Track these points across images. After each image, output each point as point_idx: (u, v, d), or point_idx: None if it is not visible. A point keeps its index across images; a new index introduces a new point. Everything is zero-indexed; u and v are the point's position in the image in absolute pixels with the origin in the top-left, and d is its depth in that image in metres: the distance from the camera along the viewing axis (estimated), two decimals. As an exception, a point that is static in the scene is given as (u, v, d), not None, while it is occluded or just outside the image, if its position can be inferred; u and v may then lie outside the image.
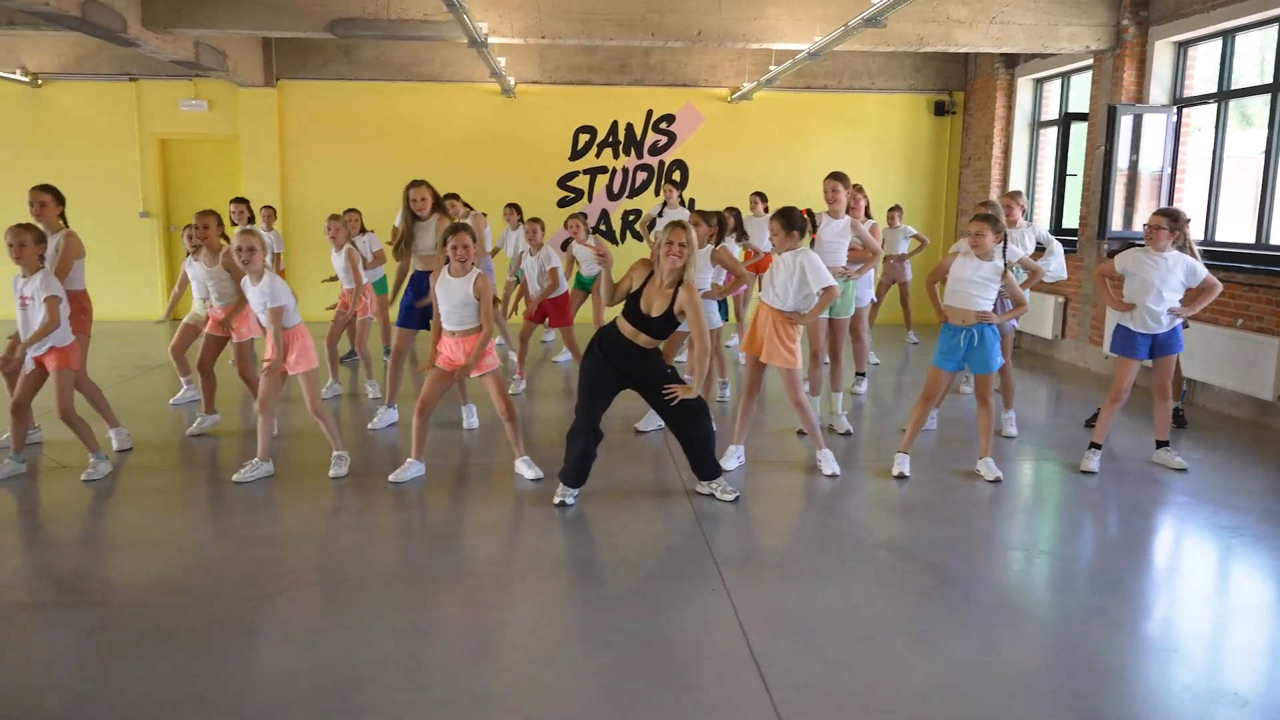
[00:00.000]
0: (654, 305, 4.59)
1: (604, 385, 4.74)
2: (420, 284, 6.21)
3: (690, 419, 4.80)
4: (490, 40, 7.93)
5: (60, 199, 5.51)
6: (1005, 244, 5.28)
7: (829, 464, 5.42)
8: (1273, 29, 7.33)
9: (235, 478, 5.16)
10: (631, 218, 11.56)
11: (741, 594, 3.78)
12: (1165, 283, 5.26)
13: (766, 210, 9.45)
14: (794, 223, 5.16)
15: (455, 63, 11.07)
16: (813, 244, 5.60)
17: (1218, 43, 7.88)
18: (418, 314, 6.26)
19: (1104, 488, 5.32)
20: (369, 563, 4.17)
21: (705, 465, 4.95)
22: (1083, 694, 3.09)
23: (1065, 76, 10.05)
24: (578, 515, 4.74)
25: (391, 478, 5.18)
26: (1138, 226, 8.66)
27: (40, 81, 10.90)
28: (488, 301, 5.02)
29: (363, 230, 8.36)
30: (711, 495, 4.97)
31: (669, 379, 4.74)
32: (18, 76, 10.67)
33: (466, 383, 6.07)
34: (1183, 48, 8.22)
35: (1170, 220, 5.31)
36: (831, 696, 3.04)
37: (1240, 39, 7.77)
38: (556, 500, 4.82)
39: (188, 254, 6.40)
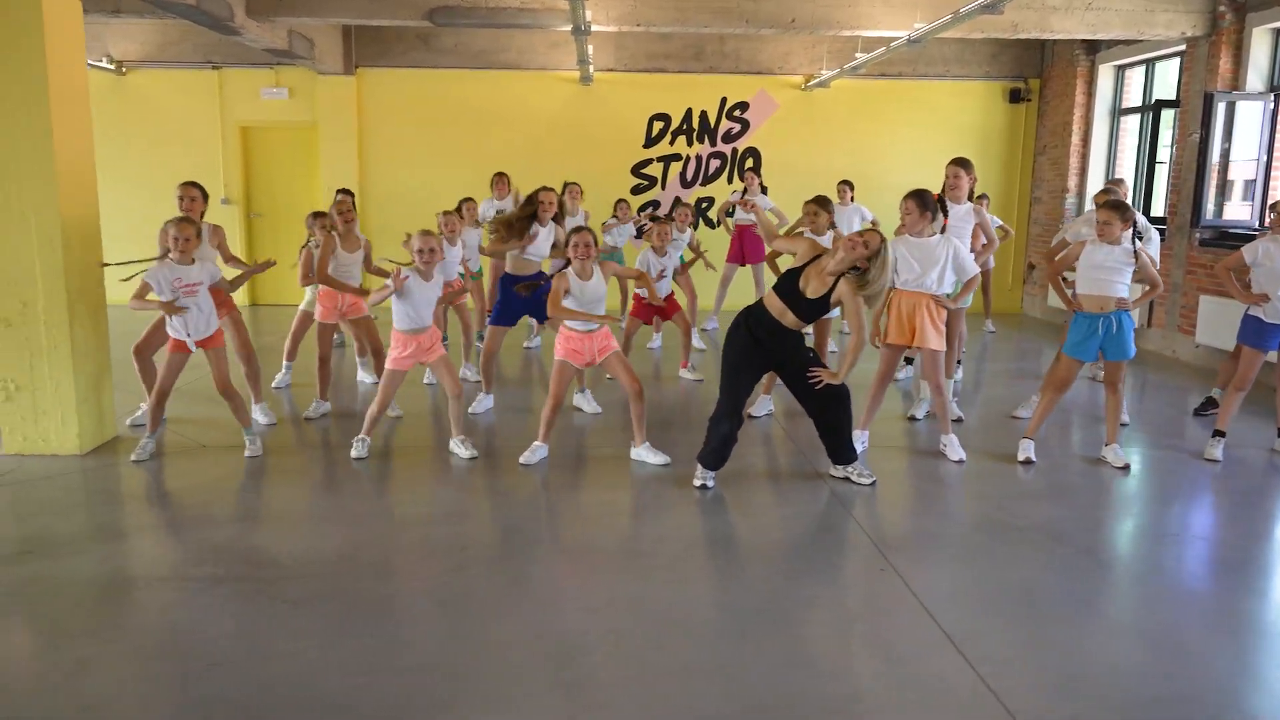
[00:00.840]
0: (811, 286, 4.64)
1: (750, 367, 4.80)
2: (509, 284, 6.27)
3: (833, 404, 4.86)
4: (592, 29, 7.98)
5: (206, 196, 5.82)
6: (1135, 229, 5.30)
7: (954, 449, 5.47)
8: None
9: (353, 454, 5.30)
10: (705, 205, 11.60)
11: (911, 575, 3.85)
12: None
13: (853, 199, 9.49)
14: (928, 204, 5.22)
15: (531, 51, 11.14)
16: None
17: (1320, 29, 7.82)
18: (512, 312, 6.34)
19: (1229, 475, 5.34)
20: (535, 539, 4.28)
21: (843, 450, 5.01)
22: (1280, 673, 3.15)
23: (1149, 63, 9.99)
24: (717, 497, 4.82)
25: (522, 460, 5.28)
26: (1229, 215, 8.63)
27: (125, 70, 11.07)
28: (625, 273, 5.17)
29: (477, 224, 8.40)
30: (847, 479, 5.03)
31: (814, 363, 4.80)
32: (104, 65, 10.84)
33: (585, 370, 6.15)
34: (1281, 34, 8.16)
35: (1302, 207, 5.31)
36: (1036, 672, 3.11)
37: (1345, 25, 7.71)
38: (697, 483, 4.90)
39: (311, 240, 6.52)
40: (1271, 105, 8.20)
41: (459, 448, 5.37)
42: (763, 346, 4.74)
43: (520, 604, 3.58)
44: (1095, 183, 10.66)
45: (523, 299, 6.13)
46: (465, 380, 7.44)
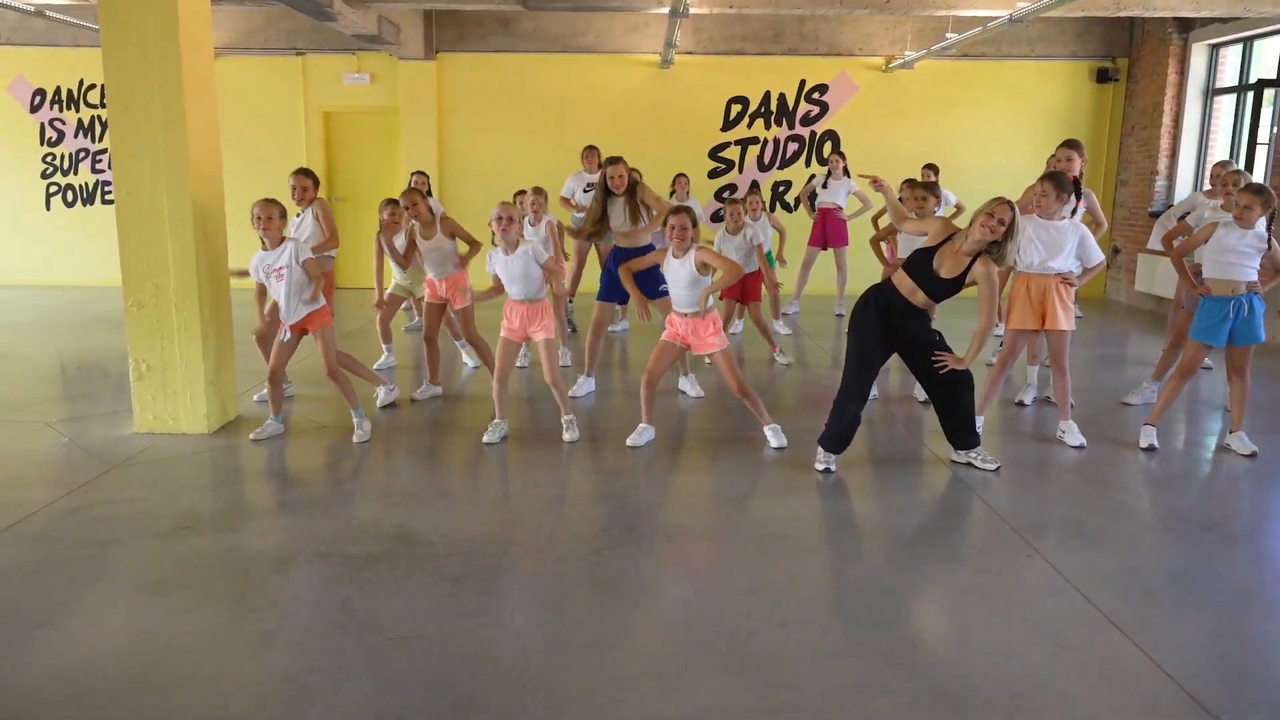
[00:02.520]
0: (945, 266, 4.60)
1: (879, 347, 4.78)
2: (619, 259, 6.31)
3: (957, 390, 4.84)
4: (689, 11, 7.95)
5: (318, 182, 6.04)
6: (1273, 215, 5.17)
7: (1074, 435, 5.41)
8: None
9: (486, 439, 5.34)
10: (781, 189, 11.54)
11: (1061, 560, 3.82)
12: None
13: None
14: (1065, 186, 5.17)
15: (610, 34, 11.13)
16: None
17: None
18: (620, 289, 6.38)
19: (1360, 463, 5.23)
20: (672, 521, 4.32)
21: (966, 435, 4.98)
22: None
23: (1247, 41, 9.73)
24: (839, 481, 4.82)
25: (629, 441, 5.31)
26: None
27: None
28: (721, 263, 5.14)
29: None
30: (970, 464, 5.00)
31: (939, 346, 4.77)
32: (191, 51, 11.02)
33: (689, 355, 6.15)
34: (1396, 10, 7.91)
35: None
36: (1214, 661, 3.07)
37: None
38: (820, 467, 4.90)
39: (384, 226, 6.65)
40: (1385, 84, 7.96)
41: (565, 429, 5.45)
42: (889, 323, 4.71)
43: (676, 585, 3.62)
44: (1186, 165, 10.43)
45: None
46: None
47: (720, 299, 7.47)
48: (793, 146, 11.50)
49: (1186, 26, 10.21)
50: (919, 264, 4.64)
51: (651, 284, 6.32)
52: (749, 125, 11.45)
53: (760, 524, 4.29)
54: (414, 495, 4.61)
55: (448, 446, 5.47)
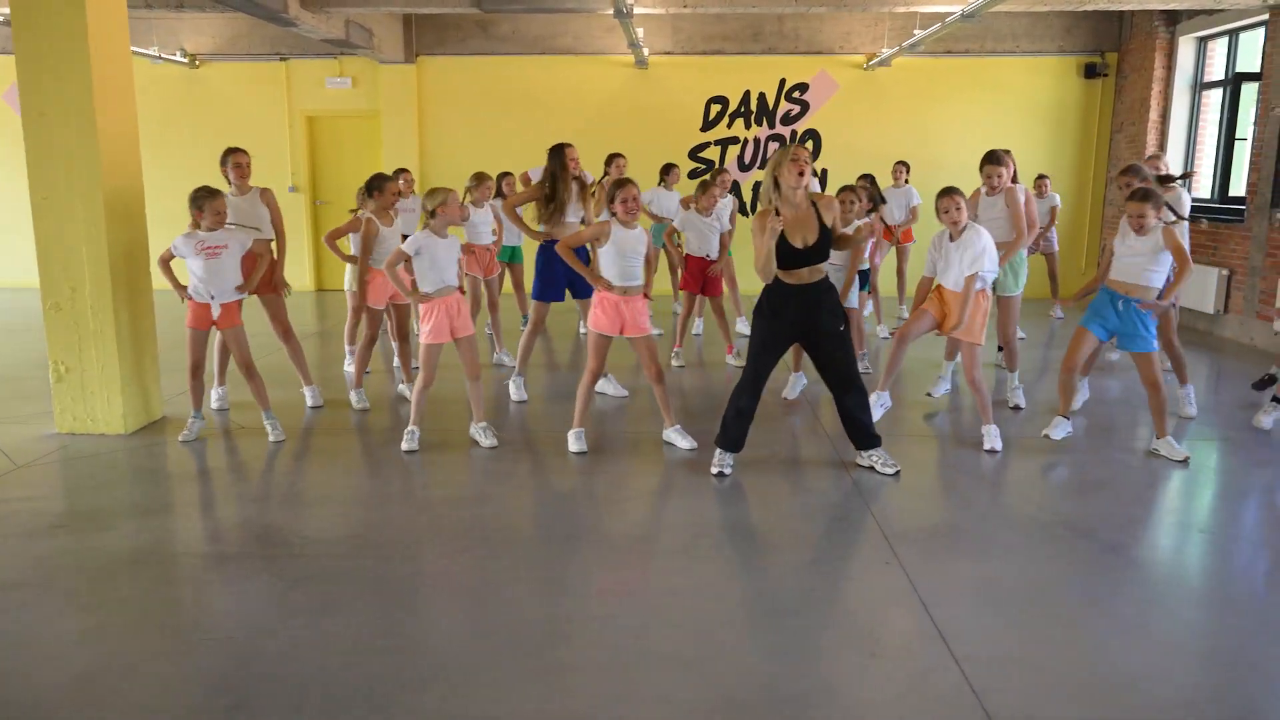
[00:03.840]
0: (796, 236, 4.52)
1: (773, 337, 4.71)
2: (551, 254, 6.25)
3: (848, 390, 4.75)
4: (635, 11, 7.92)
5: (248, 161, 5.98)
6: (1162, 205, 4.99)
7: (991, 439, 5.29)
8: None
9: (404, 447, 5.30)
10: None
11: (917, 568, 3.73)
12: None
13: (907, 181, 9.23)
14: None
15: (588, 35, 11.12)
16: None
17: None
18: (556, 285, 6.33)
19: (1290, 470, 5.03)
20: (546, 524, 4.29)
21: (861, 436, 4.89)
22: (1299, 683, 2.94)
23: (1233, 34, 9.44)
24: (735, 485, 4.76)
25: (573, 449, 5.24)
26: (1315, 194, 8.10)
27: (198, 62, 11.45)
28: (650, 250, 5.14)
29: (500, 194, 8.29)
30: (871, 468, 4.91)
31: (841, 337, 4.66)
32: (178, 58, 11.23)
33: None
34: (1375, -1, 7.61)
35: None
36: (1024, 674, 2.97)
37: None
38: (715, 470, 4.83)
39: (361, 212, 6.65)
40: (1363, 76, 7.67)
41: (480, 435, 5.36)
42: (781, 317, 4.65)
43: (515, 588, 3.59)
44: (1175, 161, 10.13)
45: (564, 271, 6.07)
46: (502, 365, 7.50)
47: (683, 290, 7.42)
48: (773, 146, 11.39)
49: (1173, 19, 9.94)
50: (783, 253, 4.54)
51: (586, 284, 6.30)
52: (729, 125, 11.37)
53: (629, 528, 4.25)
54: (299, 497, 4.64)
55: (358, 450, 5.49)
